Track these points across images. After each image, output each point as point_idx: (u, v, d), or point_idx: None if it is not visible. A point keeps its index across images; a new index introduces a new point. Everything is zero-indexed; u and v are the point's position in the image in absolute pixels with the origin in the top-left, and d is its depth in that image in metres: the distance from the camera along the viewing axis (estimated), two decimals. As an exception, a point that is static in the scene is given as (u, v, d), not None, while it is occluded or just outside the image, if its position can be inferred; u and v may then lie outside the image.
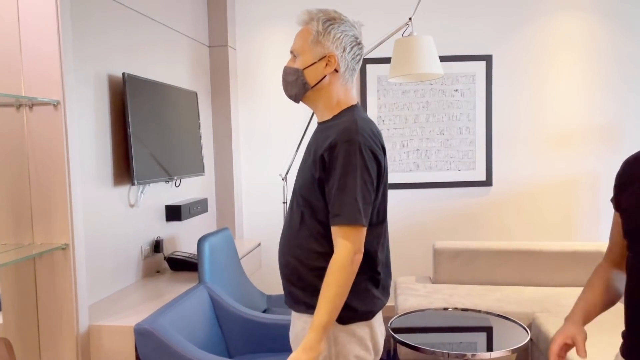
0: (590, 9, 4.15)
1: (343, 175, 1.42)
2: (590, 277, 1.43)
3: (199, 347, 2.27)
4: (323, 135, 1.50)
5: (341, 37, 1.52)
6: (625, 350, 1.29)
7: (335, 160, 1.43)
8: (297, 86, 1.55)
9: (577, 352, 1.30)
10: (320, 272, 1.47)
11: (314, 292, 1.48)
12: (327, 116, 1.57)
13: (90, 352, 2.17)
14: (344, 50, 1.53)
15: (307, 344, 1.40)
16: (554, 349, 1.32)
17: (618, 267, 1.42)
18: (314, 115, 3.09)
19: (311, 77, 1.53)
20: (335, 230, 1.44)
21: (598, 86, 4.20)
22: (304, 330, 1.52)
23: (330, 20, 1.52)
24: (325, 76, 1.53)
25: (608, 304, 1.39)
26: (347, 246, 1.41)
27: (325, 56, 1.52)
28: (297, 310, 1.55)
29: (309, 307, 1.50)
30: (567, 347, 1.34)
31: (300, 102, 1.58)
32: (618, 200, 1.36)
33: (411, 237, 4.31)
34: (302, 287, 1.52)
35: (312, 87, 1.54)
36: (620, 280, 1.40)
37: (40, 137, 2.00)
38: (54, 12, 1.96)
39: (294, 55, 1.56)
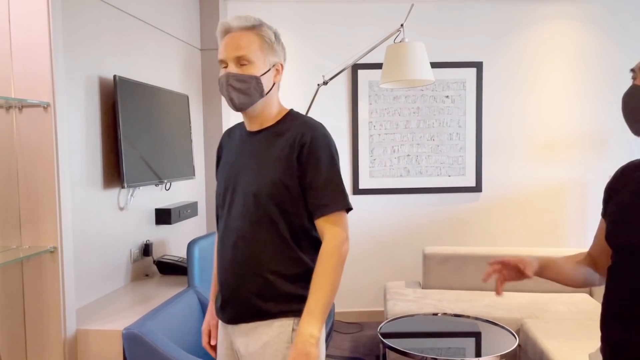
0: (579, 17, 4.20)
1: (327, 167, 1.46)
2: (573, 255, 1.50)
3: (188, 352, 2.26)
4: (278, 138, 1.50)
5: (285, 48, 1.59)
6: (607, 353, 1.30)
7: (316, 154, 1.45)
8: (255, 94, 1.49)
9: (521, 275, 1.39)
10: (297, 278, 1.47)
11: (288, 297, 1.46)
12: (270, 122, 1.54)
13: (77, 357, 2.15)
14: (285, 60, 1.59)
15: (309, 333, 1.36)
16: (495, 266, 1.40)
17: (591, 265, 1.47)
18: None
19: (266, 85, 1.51)
20: (322, 222, 1.45)
21: (586, 93, 4.25)
22: (283, 335, 1.46)
23: (276, 31, 1.56)
24: (274, 84, 1.54)
25: (567, 278, 1.44)
26: (339, 232, 1.44)
27: (275, 64, 1.53)
28: (268, 319, 1.48)
29: (283, 312, 1.47)
30: (514, 269, 1.39)
31: (240, 111, 1.52)
32: (605, 208, 1.39)
33: (401, 242, 4.32)
34: (276, 299, 1.47)
35: (265, 95, 1.52)
36: (589, 274, 1.46)
37: (29, 139, 1.99)
38: (45, 14, 1.95)
39: (243, 62, 1.47)
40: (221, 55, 1.49)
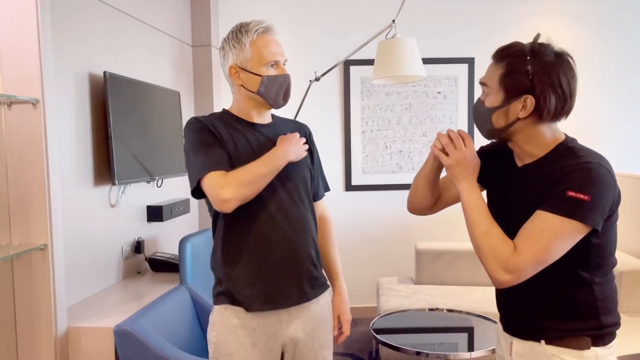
0: (571, 13, 4.22)
1: (319, 156, 1.79)
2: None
3: (180, 349, 2.25)
4: (284, 131, 1.67)
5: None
6: (501, 322, 1.48)
7: (315, 146, 1.76)
8: None
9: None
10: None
11: (320, 268, 1.70)
12: (270, 118, 1.70)
13: (69, 354, 2.14)
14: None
15: (345, 289, 1.75)
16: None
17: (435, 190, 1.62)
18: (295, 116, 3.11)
19: None
20: (322, 202, 1.79)
21: (578, 90, 4.26)
22: (328, 306, 1.70)
23: None
24: None
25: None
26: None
27: None
28: (324, 292, 1.68)
29: (326, 283, 1.71)
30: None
31: (280, 107, 1.66)
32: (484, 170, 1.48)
33: (393, 238, 4.32)
34: (321, 270, 1.69)
35: None
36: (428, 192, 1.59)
37: (18, 136, 1.97)
38: (33, 9, 1.93)
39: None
40: (277, 56, 1.58)
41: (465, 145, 1.37)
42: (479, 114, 1.37)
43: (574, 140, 1.34)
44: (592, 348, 1.29)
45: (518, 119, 1.30)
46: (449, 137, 1.39)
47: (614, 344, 1.34)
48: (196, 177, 1.48)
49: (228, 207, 1.43)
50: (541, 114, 1.28)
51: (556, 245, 1.22)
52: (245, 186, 1.43)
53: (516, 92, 1.28)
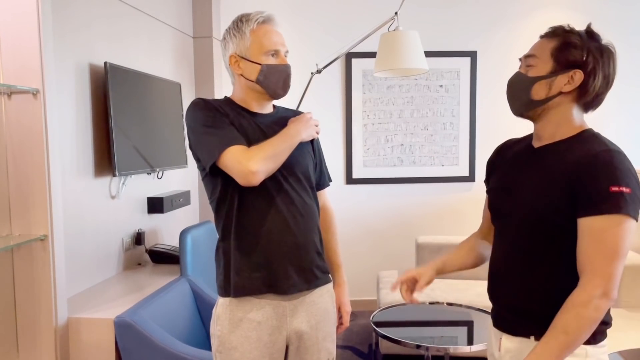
0: (573, 6, 4.19)
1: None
2: (462, 242, 1.65)
3: (180, 340, 2.25)
4: (284, 121, 1.64)
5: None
6: (492, 317, 1.45)
7: (318, 138, 1.76)
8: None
9: (416, 288, 1.50)
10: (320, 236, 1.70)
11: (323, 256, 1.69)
12: (271, 108, 1.69)
13: (69, 345, 2.14)
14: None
15: (345, 281, 1.77)
16: (401, 277, 1.52)
17: (485, 238, 1.61)
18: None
19: None
20: (324, 192, 1.78)
21: (580, 84, 4.25)
22: (333, 299, 1.69)
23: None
24: None
25: (467, 264, 1.58)
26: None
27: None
28: (327, 282, 1.66)
29: (329, 273, 1.70)
30: (414, 281, 1.51)
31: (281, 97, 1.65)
32: (487, 182, 1.53)
33: (394, 232, 4.32)
34: (324, 258, 1.68)
35: None
36: (484, 248, 1.59)
37: (19, 126, 1.97)
38: (33, -1, 1.92)
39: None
40: (277, 45, 1.57)
41: None
42: (517, 85, 1.36)
43: (598, 133, 1.34)
44: (582, 346, 1.26)
45: (560, 93, 1.30)
46: None
47: (605, 343, 1.31)
48: (216, 151, 1.45)
49: (256, 180, 1.43)
50: (585, 92, 1.28)
51: (624, 244, 1.20)
52: (270, 159, 1.46)
53: (567, 64, 1.28)
